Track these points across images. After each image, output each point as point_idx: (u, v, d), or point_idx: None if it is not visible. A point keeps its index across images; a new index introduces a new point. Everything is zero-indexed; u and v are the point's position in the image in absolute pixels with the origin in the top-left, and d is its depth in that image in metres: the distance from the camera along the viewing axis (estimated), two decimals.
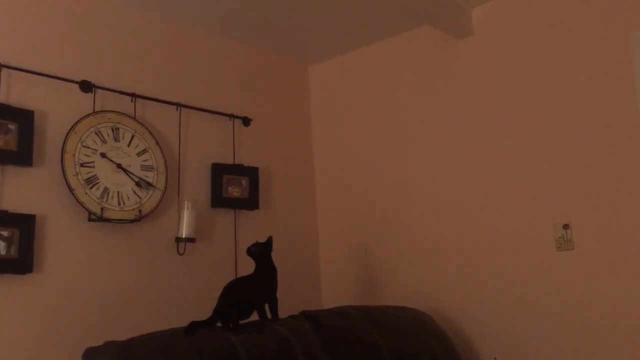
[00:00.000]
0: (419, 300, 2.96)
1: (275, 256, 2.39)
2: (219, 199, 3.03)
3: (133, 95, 2.77)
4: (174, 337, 1.99)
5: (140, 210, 2.67)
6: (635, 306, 2.43)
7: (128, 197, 2.64)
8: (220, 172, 3.06)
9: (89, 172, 2.54)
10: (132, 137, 2.72)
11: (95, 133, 2.60)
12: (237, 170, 3.13)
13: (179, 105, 2.95)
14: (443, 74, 3.10)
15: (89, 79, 2.63)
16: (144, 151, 2.75)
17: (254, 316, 2.29)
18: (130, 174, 2.67)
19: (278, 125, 3.48)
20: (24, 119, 2.38)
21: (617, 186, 2.51)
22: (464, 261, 2.93)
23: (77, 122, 2.55)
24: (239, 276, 2.76)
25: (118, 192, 2.61)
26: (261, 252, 2.35)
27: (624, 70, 2.52)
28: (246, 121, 3.26)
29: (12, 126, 2.35)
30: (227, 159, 3.13)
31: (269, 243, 2.37)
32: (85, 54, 2.67)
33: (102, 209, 2.55)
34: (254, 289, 2.31)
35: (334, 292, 3.41)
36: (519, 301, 2.74)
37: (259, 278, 2.34)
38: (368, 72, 3.44)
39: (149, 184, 2.73)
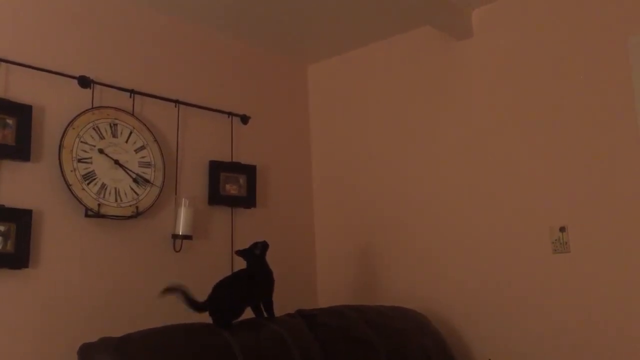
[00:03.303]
0: (415, 301, 2.96)
1: (272, 254, 2.39)
2: (216, 197, 3.03)
3: (132, 92, 2.76)
4: (170, 334, 1.99)
5: (137, 207, 2.67)
6: (631, 309, 2.44)
7: (125, 194, 2.64)
8: (217, 170, 3.05)
9: (87, 168, 2.54)
10: (130, 133, 2.71)
11: (94, 129, 2.60)
12: (235, 168, 3.13)
13: (177, 102, 2.94)
14: (442, 75, 3.11)
15: (87, 75, 2.62)
16: (142, 148, 2.74)
17: (247, 315, 2.29)
18: (127, 170, 2.66)
19: (276, 123, 3.47)
20: (22, 113, 2.38)
21: (614, 189, 2.52)
22: (461, 262, 2.94)
23: (75, 118, 2.54)
24: (231, 273, 2.75)
25: (115, 188, 2.61)
26: (262, 253, 2.37)
27: (623, 73, 2.52)
28: (244, 119, 3.25)
29: (10, 121, 2.34)
30: (225, 157, 3.13)
31: (265, 244, 2.39)
32: (84, 49, 2.67)
33: (99, 204, 2.54)
34: (250, 287, 2.31)
35: (330, 291, 3.41)
36: (514, 303, 2.74)
37: (255, 276, 2.34)
38: (367, 72, 3.44)
39: (147, 181, 2.72)
